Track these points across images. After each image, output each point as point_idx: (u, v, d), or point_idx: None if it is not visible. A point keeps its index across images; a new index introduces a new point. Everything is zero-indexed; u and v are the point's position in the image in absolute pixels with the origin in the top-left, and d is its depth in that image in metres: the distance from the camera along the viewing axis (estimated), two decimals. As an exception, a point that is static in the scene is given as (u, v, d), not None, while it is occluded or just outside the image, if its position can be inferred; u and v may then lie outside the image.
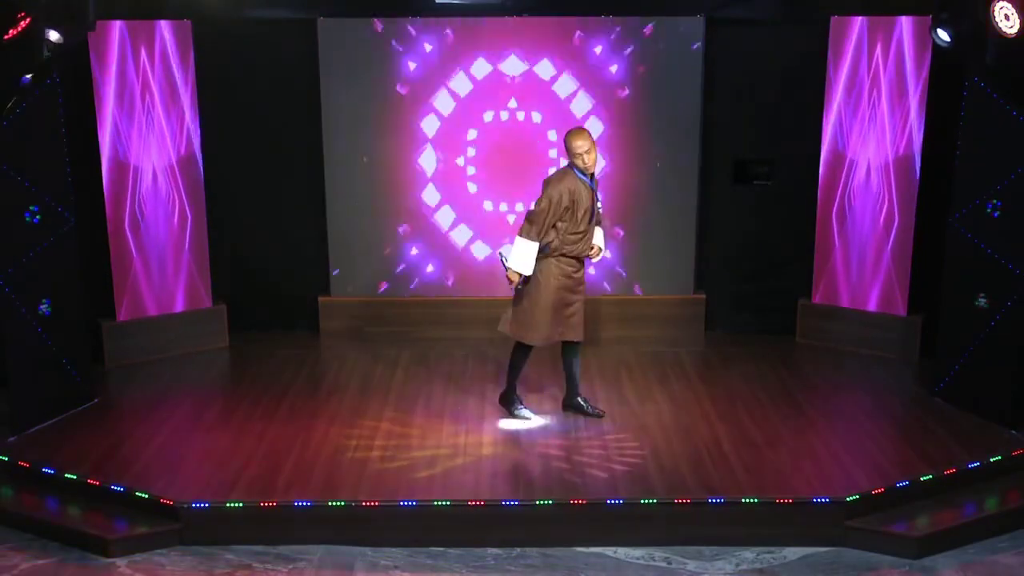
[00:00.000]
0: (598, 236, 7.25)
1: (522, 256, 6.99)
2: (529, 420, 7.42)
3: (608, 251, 7.31)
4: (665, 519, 6.34)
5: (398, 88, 8.82)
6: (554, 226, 6.99)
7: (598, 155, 7.12)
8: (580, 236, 7.07)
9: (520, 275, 7.03)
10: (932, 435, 7.19)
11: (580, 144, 6.95)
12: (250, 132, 8.93)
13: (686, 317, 9.12)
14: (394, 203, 9.04)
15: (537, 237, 6.97)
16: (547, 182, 7.14)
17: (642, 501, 6.36)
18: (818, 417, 7.53)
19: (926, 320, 8.53)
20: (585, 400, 7.56)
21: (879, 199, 8.59)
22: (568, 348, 7.37)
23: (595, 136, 7.42)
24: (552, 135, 8.86)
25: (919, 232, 8.49)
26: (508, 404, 7.51)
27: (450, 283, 9.18)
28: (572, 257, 7.11)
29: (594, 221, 7.15)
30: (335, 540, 6.32)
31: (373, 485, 6.54)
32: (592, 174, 7.07)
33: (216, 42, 8.66)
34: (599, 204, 7.23)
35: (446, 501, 6.36)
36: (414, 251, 9.13)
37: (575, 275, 7.16)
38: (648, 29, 8.72)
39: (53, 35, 6.87)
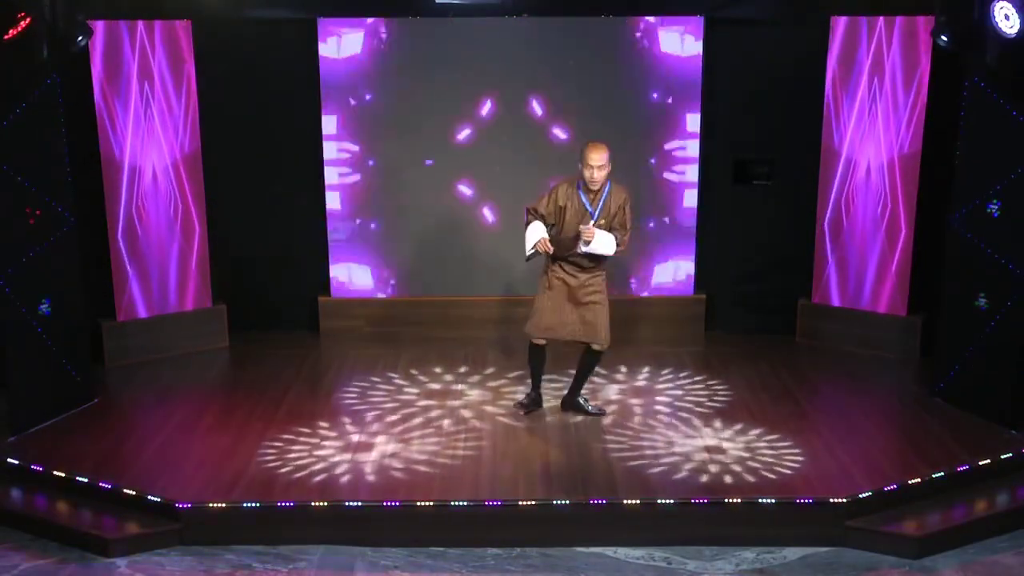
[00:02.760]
0: (602, 235, 7.03)
1: (528, 234, 7.14)
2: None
3: (591, 240, 6.97)
4: (665, 519, 6.34)
5: (398, 87, 8.83)
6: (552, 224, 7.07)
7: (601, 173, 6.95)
8: (566, 240, 7.08)
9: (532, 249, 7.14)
10: (932, 435, 7.19)
11: (593, 157, 6.92)
12: (250, 132, 8.92)
13: (686, 317, 9.13)
14: (395, 203, 9.05)
15: (527, 217, 7.15)
16: None
17: (642, 501, 6.36)
18: (818, 417, 7.52)
19: (926, 320, 8.53)
20: (585, 399, 7.57)
21: (879, 199, 8.59)
22: (586, 350, 7.40)
23: (595, 137, 7.35)
24: (552, 135, 8.87)
25: (919, 232, 8.49)
26: (530, 404, 7.64)
27: (450, 283, 9.17)
28: (563, 259, 7.15)
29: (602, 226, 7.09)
30: (335, 540, 6.31)
31: (373, 485, 6.54)
32: (596, 191, 7.00)
33: (216, 42, 8.66)
34: (627, 220, 7.11)
35: (446, 501, 6.36)
36: (414, 251, 9.14)
37: (570, 276, 7.15)
38: (647, 29, 8.73)
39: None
